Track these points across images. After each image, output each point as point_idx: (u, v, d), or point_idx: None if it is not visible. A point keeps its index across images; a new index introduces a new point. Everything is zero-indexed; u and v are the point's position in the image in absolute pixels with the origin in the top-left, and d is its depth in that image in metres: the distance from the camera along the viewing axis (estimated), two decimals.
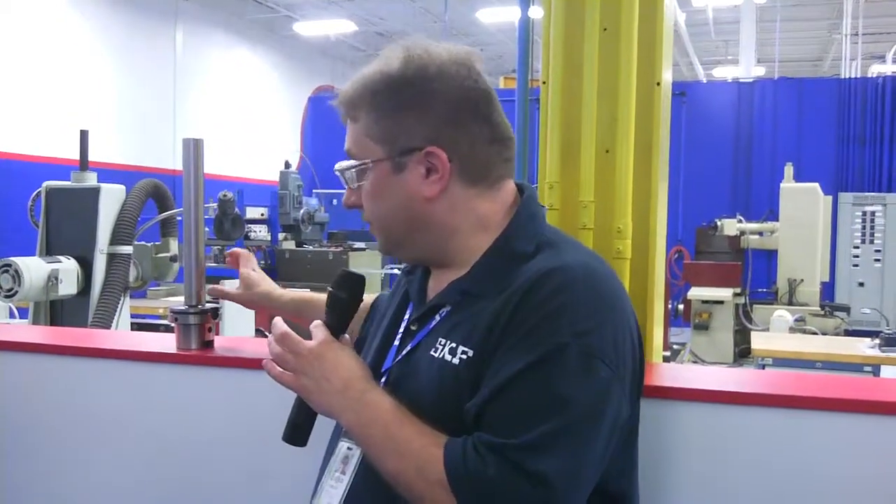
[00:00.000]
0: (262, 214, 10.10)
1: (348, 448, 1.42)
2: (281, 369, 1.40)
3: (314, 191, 12.21)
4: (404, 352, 1.43)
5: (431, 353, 1.36)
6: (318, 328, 1.41)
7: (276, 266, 9.54)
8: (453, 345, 1.33)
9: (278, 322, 1.45)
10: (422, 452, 1.25)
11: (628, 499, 1.42)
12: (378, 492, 1.33)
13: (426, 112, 1.38)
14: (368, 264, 9.93)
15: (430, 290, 1.49)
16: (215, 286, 2.06)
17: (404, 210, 1.41)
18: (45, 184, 4.08)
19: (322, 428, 1.46)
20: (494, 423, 1.23)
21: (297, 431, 1.42)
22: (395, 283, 1.68)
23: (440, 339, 1.36)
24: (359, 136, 1.42)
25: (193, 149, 2.11)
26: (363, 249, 10.20)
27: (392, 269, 10.07)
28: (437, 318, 1.41)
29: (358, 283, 1.46)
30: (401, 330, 1.48)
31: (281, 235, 9.82)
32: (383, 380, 1.42)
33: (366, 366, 1.40)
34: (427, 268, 1.52)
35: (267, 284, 2.02)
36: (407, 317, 1.50)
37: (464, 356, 1.31)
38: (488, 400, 1.24)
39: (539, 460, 1.19)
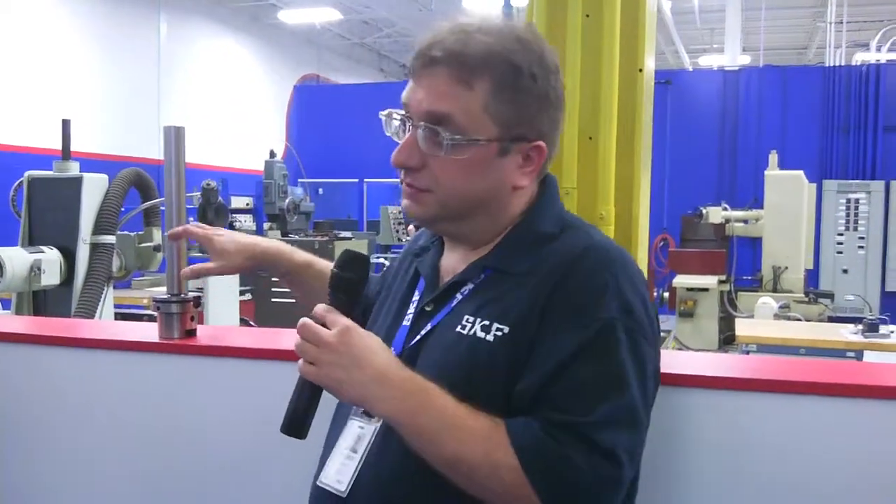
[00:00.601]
0: (248, 204, 10.08)
1: (360, 427, 1.40)
2: (304, 362, 1.30)
3: (299, 180, 12.19)
4: (423, 332, 1.40)
5: (459, 330, 1.34)
6: (332, 313, 1.31)
7: None
8: (486, 322, 1.32)
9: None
10: (484, 437, 1.23)
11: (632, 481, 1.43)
12: (394, 469, 1.33)
13: (544, 106, 1.38)
14: None
15: (444, 268, 1.48)
16: (188, 268, 1.94)
17: (490, 192, 1.38)
18: (27, 173, 4.05)
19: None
20: (562, 401, 1.23)
21: (298, 422, 1.35)
22: (397, 265, 1.65)
23: (467, 316, 1.35)
24: (472, 106, 1.33)
25: (175, 136, 2.10)
26: (349, 238, 10.20)
27: (378, 258, 10.08)
28: (459, 296, 1.40)
29: (364, 262, 1.40)
30: (410, 311, 1.46)
31: (266, 225, 9.80)
32: None
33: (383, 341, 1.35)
34: (439, 249, 1.51)
35: (240, 239, 1.87)
36: (417, 298, 1.48)
37: (499, 333, 1.30)
38: (550, 378, 1.25)
39: (609, 436, 1.21)
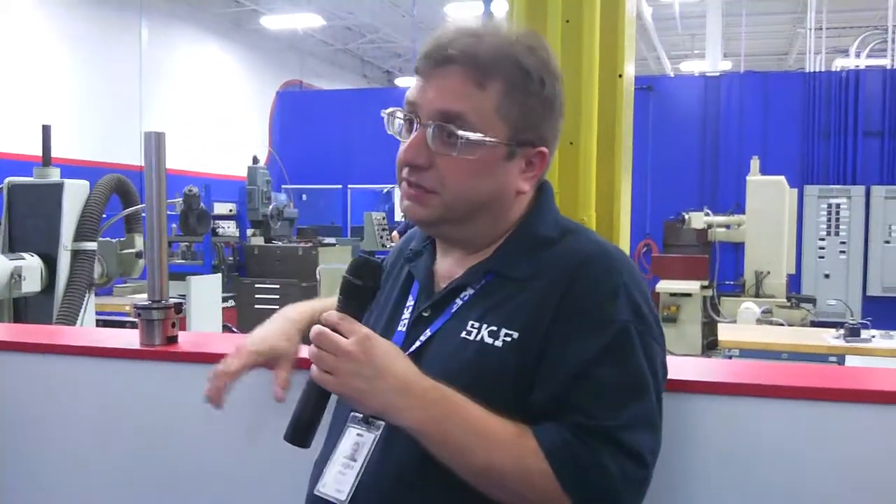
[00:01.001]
0: (231, 210, 10.05)
1: (358, 434, 1.38)
2: (320, 372, 1.26)
3: (283, 186, 12.18)
4: (422, 338, 1.39)
5: (464, 336, 1.34)
6: (346, 321, 1.27)
7: (244, 262, 9.50)
8: (493, 328, 1.32)
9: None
10: (514, 444, 1.24)
11: None
12: (396, 477, 1.32)
13: (549, 112, 1.39)
14: (338, 259, 9.91)
15: (438, 274, 1.47)
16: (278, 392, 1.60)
17: (494, 195, 1.38)
18: (7, 180, 4.03)
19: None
20: (587, 405, 1.24)
21: (304, 431, 1.32)
22: (388, 268, 1.60)
23: (472, 322, 1.34)
24: (485, 106, 1.33)
25: (155, 142, 2.09)
26: (333, 245, 10.19)
27: None
28: (459, 301, 1.40)
29: (377, 269, 1.35)
30: (405, 316, 1.45)
31: (249, 231, 9.79)
32: None
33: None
34: (432, 253, 1.50)
35: (279, 333, 1.69)
36: (411, 303, 1.47)
37: (507, 339, 1.30)
38: (573, 384, 1.25)
39: (636, 438, 1.23)
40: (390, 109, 1.41)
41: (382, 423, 1.35)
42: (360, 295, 1.33)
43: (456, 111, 1.32)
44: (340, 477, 1.36)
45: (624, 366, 1.27)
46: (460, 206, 1.37)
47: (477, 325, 1.34)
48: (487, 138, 1.32)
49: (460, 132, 1.32)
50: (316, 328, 1.26)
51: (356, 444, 1.37)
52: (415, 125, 1.36)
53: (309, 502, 1.43)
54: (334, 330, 1.26)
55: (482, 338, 1.32)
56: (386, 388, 1.24)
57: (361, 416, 1.38)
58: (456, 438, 1.24)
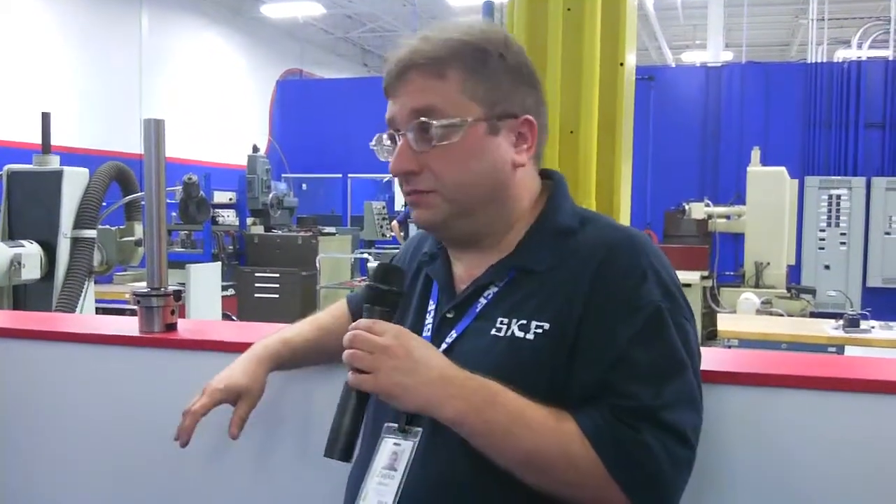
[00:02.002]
0: (231, 199, 10.04)
1: (395, 444, 1.36)
2: (357, 373, 1.26)
3: (283, 175, 12.17)
4: (449, 340, 1.39)
5: (494, 333, 1.34)
6: (378, 323, 1.29)
7: (244, 251, 9.50)
8: (523, 321, 1.32)
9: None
10: (556, 429, 1.24)
11: None
12: (438, 483, 1.31)
13: (520, 82, 1.40)
14: (338, 249, 9.93)
15: (458, 277, 1.47)
16: (234, 430, 1.67)
17: (491, 175, 1.38)
18: (6, 167, 4.03)
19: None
20: (626, 388, 1.25)
21: (346, 443, 1.30)
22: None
23: (500, 318, 1.35)
24: (451, 92, 1.35)
25: (155, 129, 2.09)
26: (333, 234, 10.18)
27: (362, 253, 10.07)
28: (483, 300, 1.40)
29: (401, 274, 1.38)
30: (429, 321, 1.45)
31: (249, 220, 9.77)
32: None
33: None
34: (447, 256, 1.50)
35: (246, 369, 1.71)
36: (433, 306, 1.47)
37: (539, 331, 1.31)
38: (611, 368, 1.26)
39: (678, 417, 1.24)
40: (375, 138, 1.45)
41: (420, 430, 1.35)
42: (385, 300, 1.34)
43: (425, 105, 1.35)
44: (382, 488, 1.34)
45: (659, 346, 1.28)
46: (462, 196, 1.38)
47: (506, 321, 1.34)
48: (461, 119, 1.35)
49: (434, 122, 1.34)
50: (349, 333, 1.28)
51: (394, 453, 1.36)
52: (398, 138, 1.39)
53: None
54: (368, 331, 1.27)
55: (512, 332, 1.32)
56: (426, 380, 1.25)
57: (396, 425, 1.37)
58: (498, 426, 1.24)
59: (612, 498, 1.23)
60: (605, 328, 1.28)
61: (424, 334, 1.43)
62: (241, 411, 1.65)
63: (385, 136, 1.43)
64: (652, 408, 1.23)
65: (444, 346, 1.38)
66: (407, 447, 1.35)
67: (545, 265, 1.36)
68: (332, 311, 1.82)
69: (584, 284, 1.31)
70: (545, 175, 1.50)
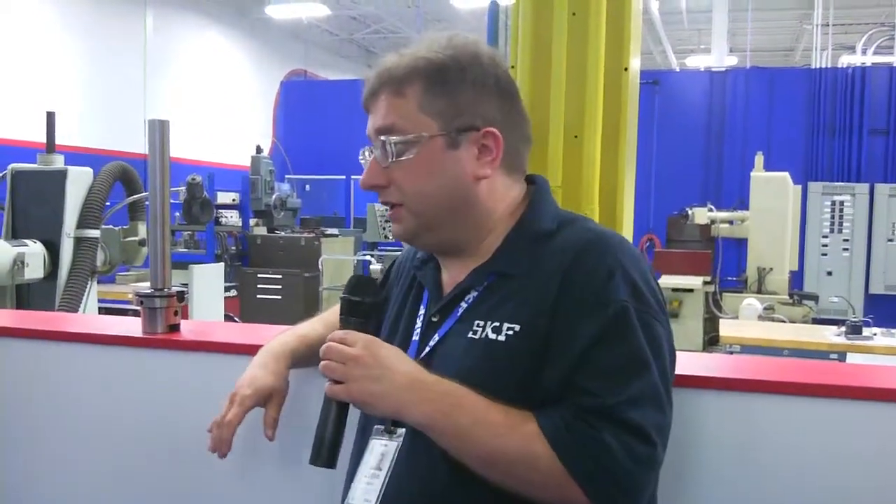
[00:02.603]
0: (234, 200, 10.05)
1: (383, 445, 1.41)
2: (332, 384, 1.32)
3: (286, 176, 12.18)
4: (431, 343, 1.42)
5: (470, 336, 1.36)
6: (350, 333, 1.35)
7: (247, 252, 9.50)
8: (496, 324, 1.35)
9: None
10: (518, 430, 1.26)
11: None
12: (419, 483, 1.35)
13: (485, 94, 1.41)
14: (340, 250, 9.93)
15: (445, 283, 1.49)
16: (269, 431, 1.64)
17: (452, 188, 1.41)
18: (10, 166, 4.03)
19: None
20: (589, 387, 1.26)
21: (330, 451, 1.36)
22: (394, 275, 1.68)
23: (477, 321, 1.37)
24: (408, 110, 1.40)
25: (160, 129, 2.09)
26: (336, 235, 10.18)
27: (365, 255, 10.07)
28: (464, 304, 1.42)
29: (373, 285, 1.46)
30: (418, 325, 1.48)
31: (252, 221, 9.78)
32: None
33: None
34: (436, 263, 1.52)
35: (269, 367, 1.69)
36: (423, 311, 1.49)
37: (510, 332, 1.33)
38: (575, 367, 1.27)
39: (639, 415, 1.24)
40: (360, 152, 1.50)
41: (403, 430, 1.38)
42: (358, 311, 1.41)
43: (387, 124, 1.41)
44: (368, 488, 1.39)
45: (623, 345, 1.28)
46: (426, 209, 1.43)
47: (482, 323, 1.36)
48: (417, 135, 1.39)
49: (392, 138, 1.39)
50: (324, 345, 1.33)
51: (381, 454, 1.40)
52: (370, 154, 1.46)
53: None
54: (341, 342, 1.32)
55: (486, 335, 1.35)
56: (395, 386, 1.30)
57: (384, 427, 1.42)
58: (462, 428, 1.27)
59: (574, 498, 1.23)
60: (569, 327, 1.29)
61: (414, 338, 1.46)
62: (273, 412, 1.63)
63: (367, 150, 1.48)
64: (612, 406, 1.23)
65: (427, 348, 1.42)
66: (392, 448, 1.39)
67: (522, 269, 1.38)
68: (336, 311, 1.83)
69: (554, 286, 1.32)
70: (530, 180, 1.52)
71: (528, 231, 1.43)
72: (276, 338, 1.76)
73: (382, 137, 1.40)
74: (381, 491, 1.37)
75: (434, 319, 1.45)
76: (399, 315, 1.55)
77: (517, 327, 1.33)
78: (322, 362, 1.33)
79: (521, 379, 1.31)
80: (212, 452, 1.64)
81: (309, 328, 1.78)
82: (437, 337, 1.43)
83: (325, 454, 1.36)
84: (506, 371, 1.31)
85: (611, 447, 1.21)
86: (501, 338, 1.33)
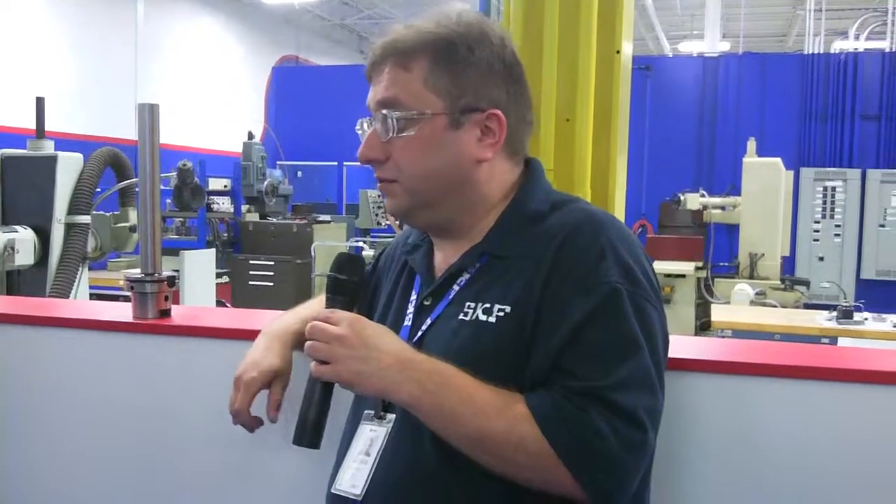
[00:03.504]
0: (226, 186, 10.02)
1: (371, 430, 1.41)
2: (318, 364, 1.32)
3: (278, 162, 12.13)
4: (424, 326, 1.42)
5: (461, 317, 1.36)
6: (336, 313, 1.34)
7: (239, 238, 9.48)
8: (487, 305, 1.34)
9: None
10: (506, 410, 1.24)
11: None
12: (407, 469, 1.34)
13: (491, 75, 1.39)
14: (333, 237, 9.91)
15: (437, 265, 1.49)
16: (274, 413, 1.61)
17: (451, 168, 1.40)
18: (0, 152, 4.00)
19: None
20: (577, 368, 1.24)
21: (313, 432, 1.37)
22: (381, 264, 1.67)
23: (468, 303, 1.36)
24: (414, 85, 1.38)
25: (149, 114, 2.08)
26: (328, 222, 10.17)
27: (357, 241, 10.06)
28: (456, 287, 1.41)
29: (358, 263, 1.45)
30: (410, 310, 1.47)
31: (244, 207, 9.76)
32: None
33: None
34: (429, 246, 1.52)
35: (275, 349, 1.66)
36: (415, 295, 1.48)
37: (500, 314, 1.32)
38: (563, 348, 1.26)
39: (628, 397, 1.22)
40: (359, 123, 1.47)
41: (393, 416, 1.38)
42: (345, 289, 1.42)
43: (389, 97, 1.38)
44: (356, 473, 1.39)
45: (613, 327, 1.26)
46: (422, 187, 1.41)
47: (473, 305, 1.36)
48: (421, 112, 1.37)
49: (394, 113, 1.37)
50: (309, 324, 1.33)
51: (370, 439, 1.40)
52: (369, 125, 1.44)
53: (328, 501, 1.45)
54: (326, 322, 1.31)
55: (477, 316, 1.34)
56: (381, 366, 1.28)
57: (373, 412, 1.42)
58: (449, 408, 1.26)
59: (561, 480, 1.22)
60: (559, 308, 1.28)
61: (406, 323, 1.45)
62: (277, 394, 1.60)
63: (365, 121, 1.46)
64: (600, 388, 1.21)
65: (419, 332, 1.41)
66: (381, 433, 1.39)
67: (513, 251, 1.37)
68: None
69: (544, 267, 1.31)
70: (525, 163, 1.51)
71: (519, 212, 1.42)
72: (278, 319, 1.74)
73: (384, 111, 1.38)
74: (369, 476, 1.37)
75: (426, 303, 1.44)
76: (389, 303, 1.54)
77: (508, 308, 1.32)
78: (307, 342, 1.32)
79: (512, 360, 1.30)
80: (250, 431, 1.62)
81: (309, 310, 1.74)
82: (428, 321, 1.42)
83: (308, 434, 1.37)
84: (496, 352, 1.30)
85: (600, 430, 1.20)
86: (492, 319, 1.32)
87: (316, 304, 1.78)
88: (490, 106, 1.39)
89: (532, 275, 1.32)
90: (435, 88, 1.37)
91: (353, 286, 1.43)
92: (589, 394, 1.22)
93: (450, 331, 1.36)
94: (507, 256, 1.38)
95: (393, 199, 1.44)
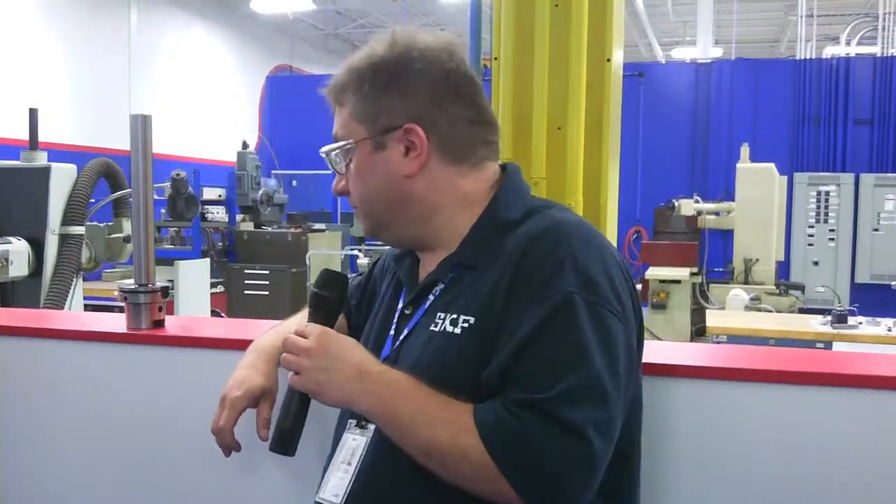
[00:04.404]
0: (220, 195, 10.02)
1: (353, 440, 1.43)
2: (292, 374, 1.37)
3: (273, 171, 12.15)
4: (402, 335, 1.44)
5: (431, 328, 1.37)
6: (308, 325, 1.39)
7: (233, 247, 9.47)
8: (454, 316, 1.35)
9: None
10: (453, 422, 1.24)
11: (631, 459, 1.43)
12: (385, 478, 1.36)
13: (407, 91, 1.41)
14: (328, 245, 9.91)
15: (420, 275, 1.50)
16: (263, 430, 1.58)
17: (385, 188, 1.43)
18: None
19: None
20: (523, 379, 1.23)
21: (287, 440, 1.41)
22: (376, 272, 1.69)
23: (439, 313, 1.38)
24: (345, 118, 1.45)
25: (142, 125, 2.08)
26: (322, 231, 10.16)
27: (352, 250, 10.05)
28: (431, 297, 1.43)
29: (342, 282, 1.50)
30: (395, 317, 1.49)
31: (239, 216, 9.75)
32: None
33: (368, 343, 1.43)
34: (415, 256, 1.53)
35: (259, 366, 1.66)
36: (400, 304, 1.50)
37: (465, 325, 1.33)
38: (512, 358, 1.25)
39: (573, 412, 1.19)
40: None
41: (373, 426, 1.39)
42: (324, 305, 1.47)
43: (334, 134, 1.47)
44: (338, 481, 1.41)
45: (562, 337, 1.24)
46: (371, 210, 1.47)
47: (443, 315, 1.37)
48: (345, 143, 1.44)
49: (326, 150, 1.47)
50: (284, 337, 1.39)
51: (352, 449, 1.42)
52: None
53: None
54: (299, 335, 1.37)
55: (444, 328, 1.35)
56: (343, 377, 1.32)
57: (356, 421, 1.43)
58: (401, 418, 1.28)
59: (505, 493, 1.21)
60: (513, 318, 1.28)
61: (391, 332, 1.48)
62: (265, 413, 1.58)
63: None
64: (544, 400, 1.19)
65: (398, 341, 1.44)
66: (361, 443, 1.41)
67: (482, 259, 1.38)
68: None
69: (506, 277, 1.31)
70: (503, 167, 1.51)
71: (491, 221, 1.42)
72: (265, 334, 1.75)
73: (322, 150, 1.47)
74: (348, 486, 1.39)
75: (406, 312, 1.47)
76: (380, 310, 1.57)
77: (472, 319, 1.32)
78: (282, 355, 1.38)
79: (476, 371, 1.29)
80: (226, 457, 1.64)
81: (295, 325, 1.72)
82: (406, 330, 1.44)
83: (283, 442, 1.41)
84: (461, 364, 1.31)
85: (540, 443, 1.18)
86: (457, 330, 1.33)
87: (299, 318, 1.79)
88: (407, 121, 1.40)
89: (497, 285, 1.32)
90: (358, 116, 1.43)
91: (333, 303, 1.48)
92: (532, 406, 1.20)
93: (421, 342, 1.38)
94: (476, 266, 1.38)
95: (360, 224, 1.54)
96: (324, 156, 1.48)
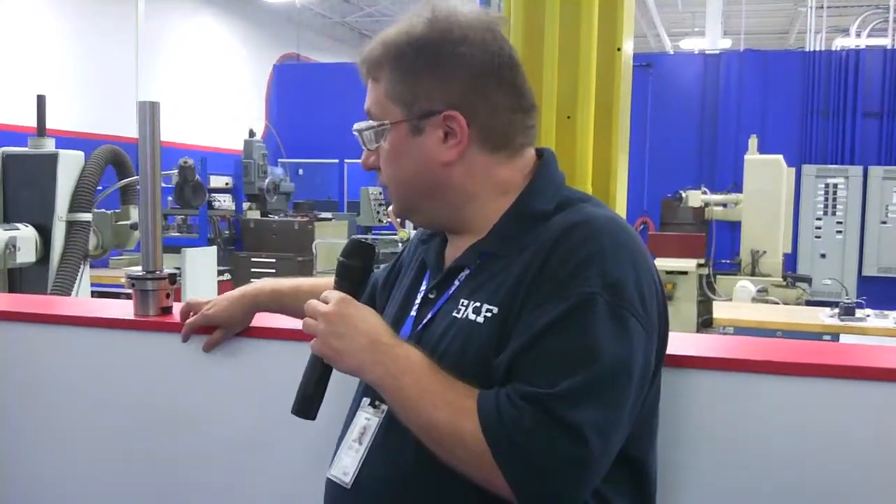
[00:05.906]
0: (227, 184, 10.03)
1: (366, 418, 1.43)
2: (312, 339, 1.38)
3: (279, 160, 12.13)
4: (425, 320, 1.42)
5: (454, 314, 1.36)
6: (331, 292, 1.39)
7: (240, 236, 9.49)
8: (477, 304, 1.33)
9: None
10: (455, 404, 1.24)
11: (646, 465, 1.42)
12: (396, 459, 1.35)
13: (448, 76, 1.37)
14: (334, 234, 9.92)
15: (447, 258, 1.49)
16: (207, 345, 2.01)
17: (421, 173, 1.40)
18: (1, 150, 4.00)
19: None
20: (529, 372, 1.22)
21: (308, 403, 1.41)
22: (405, 254, 1.68)
23: (462, 300, 1.36)
24: (379, 96, 1.41)
25: (150, 112, 2.08)
26: (329, 219, 10.17)
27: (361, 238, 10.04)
28: (457, 282, 1.41)
29: (369, 251, 1.48)
30: (418, 300, 1.48)
31: (246, 205, 9.77)
32: None
33: (386, 323, 1.39)
34: (444, 236, 1.52)
35: (234, 299, 1.97)
36: (424, 286, 1.49)
37: (488, 314, 1.31)
38: (521, 350, 1.24)
39: (574, 412, 1.17)
40: None
41: (386, 406, 1.38)
42: (351, 275, 1.45)
43: (367, 109, 1.43)
44: (348, 459, 1.41)
45: (575, 335, 1.22)
46: (404, 192, 1.45)
47: (466, 302, 1.36)
48: (382, 123, 1.40)
49: (362, 125, 1.43)
50: (307, 302, 1.39)
51: (364, 427, 1.42)
52: None
53: (325, 486, 1.48)
54: (321, 300, 1.38)
55: (467, 315, 1.34)
56: (357, 346, 1.32)
57: (370, 400, 1.43)
58: (405, 394, 1.28)
59: (496, 481, 1.20)
60: (532, 312, 1.26)
61: (411, 313, 1.47)
62: (216, 337, 1.99)
63: None
64: (544, 396, 1.18)
65: (420, 326, 1.42)
66: (374, 422, 1.41)
67: (509, 249, 1.36)
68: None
69: (533, 269, 1.29)
70: (539, 153, 1.49)
71: (521, 211, 1.40)
72: (260, 282, 1.94)
73: (355, 126, 1.44)
74: (358, 465, 1.39)
75: (431, 296, 1.45)
76: (400, 290, 1.57)
77: (495, 309, 1.31)
78: (304, 320, 1.39)
79: (491, 360, 1.28)
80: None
81: (312, 282, 1.92)
82: (429, 315, 1.42)
83: (304, 406, 1.41)
84: (480, 353, 1.29)
85: (537, 440, 1.17)
86: (480, 319, 1.32)
87: (322, 282, 1.83)
88: (446, 107, 1.36)
89: (522, 276, 1.30)
90: (393, 98, 1.39)
91: (358, 272, 1.46)
92: (535, 401, 1.19)
93: (443, 328, 1.37)
94: (504, 256, 1.36)
95: (392, 203, 1.49)
96: (356, 133, 1.45)
